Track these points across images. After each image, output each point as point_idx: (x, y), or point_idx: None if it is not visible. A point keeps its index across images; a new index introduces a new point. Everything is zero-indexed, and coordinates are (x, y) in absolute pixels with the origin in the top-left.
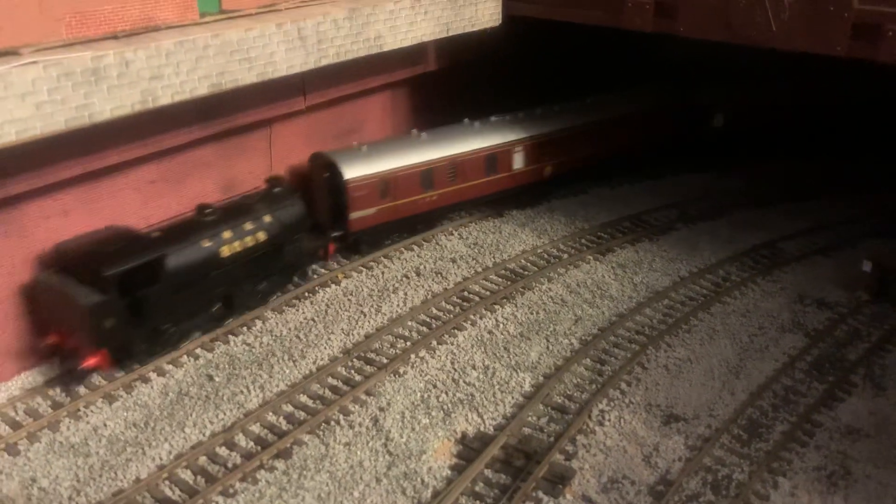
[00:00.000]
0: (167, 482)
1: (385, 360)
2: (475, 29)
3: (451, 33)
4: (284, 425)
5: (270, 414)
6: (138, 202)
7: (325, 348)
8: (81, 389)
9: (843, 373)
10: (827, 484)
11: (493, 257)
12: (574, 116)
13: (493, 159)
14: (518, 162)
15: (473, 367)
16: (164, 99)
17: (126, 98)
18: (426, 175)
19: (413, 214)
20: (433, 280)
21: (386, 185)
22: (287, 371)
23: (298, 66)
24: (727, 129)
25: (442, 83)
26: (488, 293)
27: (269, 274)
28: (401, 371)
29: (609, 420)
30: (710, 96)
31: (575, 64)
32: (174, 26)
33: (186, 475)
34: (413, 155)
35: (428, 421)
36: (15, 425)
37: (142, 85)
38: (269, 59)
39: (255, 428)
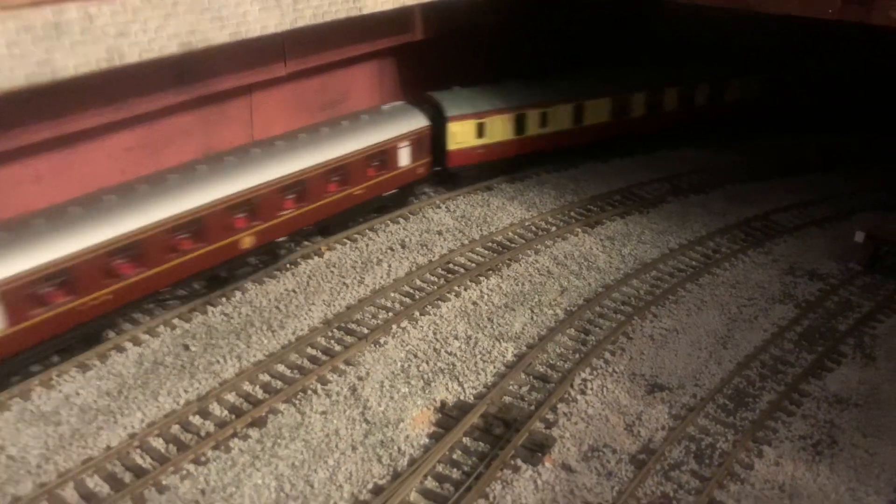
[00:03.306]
0: (138, 450)
1: (366, 331)
2: None
3: None
4: (260, 394)
5: (246, 383)
6: (115, 170)
7: (306, 319)
8: (55, 358)
9: (833, 343)
10: (812, 453)
11: (481, 230)
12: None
13: None
14: None
15: (456, 338)
16: (132, 57)
17: (90, 54)
18: None
19: None
20: (418, 252)
21: None
22: (265, 341)
23: (273, 26)
24: None
25: (431, 53)
26: (474, 265)
27: None
28: (382, 341)
29: (592, 389)
30: None
31: (573, 34)
32: None
33: (158, 443)
34: None
35: (407, 390)
36: None
37: (107, 41)
38: (242, 18)
39: (231, 397)
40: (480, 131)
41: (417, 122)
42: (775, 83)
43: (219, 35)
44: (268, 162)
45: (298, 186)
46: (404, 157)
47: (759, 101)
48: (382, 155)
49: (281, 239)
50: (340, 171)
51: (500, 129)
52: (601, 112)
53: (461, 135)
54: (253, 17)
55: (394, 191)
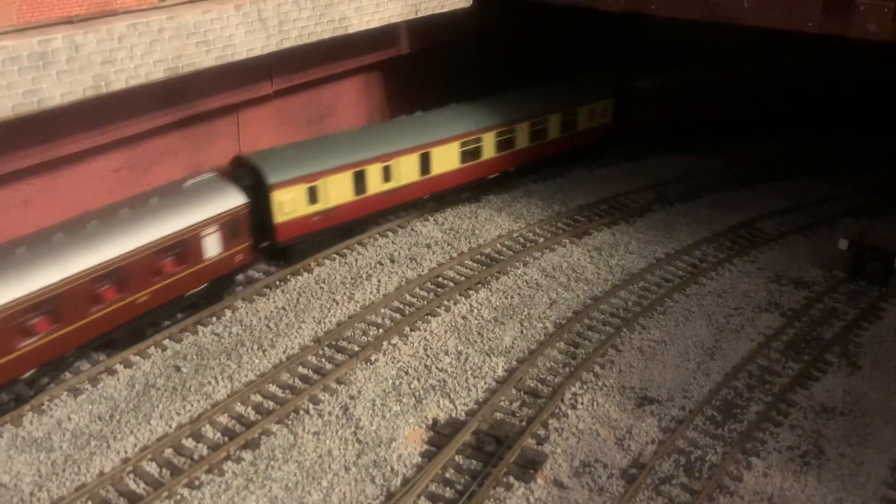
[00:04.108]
0: (132, 475)
1: (357, 348)
2: (445, 10)
3: (420, 14)
4: (252, 416)
5: (238, 404)
6: (102, 191)
7: (296, 337)
8: (46, 382)
9: (819, 351)
10: (800, 463)
11: (469, 242)
12: None
13: None
14: None
15: (446, 353)
16: (118, 84)
17: (77, 83)
18: None
19: None
20: (407, 266)
21: None
22: (256, 361)
23: (259, 48)
24: None
25: (417, 67)
26: (463, 278)
27: None
28: (372, 358)
29: (582, 403)
30: None
31: (555, 45)
32: (132, 10)
33: (151, 468)
34: None
35: (399, 408)
36: None
37: (93, 69)
38: (228, 41)
39: (223, 419)
40: (313, 196)
41: (230, 200)
42: (626, 104)
43: (205, 59)
44: (4, 278)
45: (48, 305)
46: (213, 246)
47: (612, 125)
48: (179, 247)
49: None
50: (113, 276)
51: (336, 190)
52: (450, 158)
53: (290, 203)
54: (239, 40)
55: (203, 286)
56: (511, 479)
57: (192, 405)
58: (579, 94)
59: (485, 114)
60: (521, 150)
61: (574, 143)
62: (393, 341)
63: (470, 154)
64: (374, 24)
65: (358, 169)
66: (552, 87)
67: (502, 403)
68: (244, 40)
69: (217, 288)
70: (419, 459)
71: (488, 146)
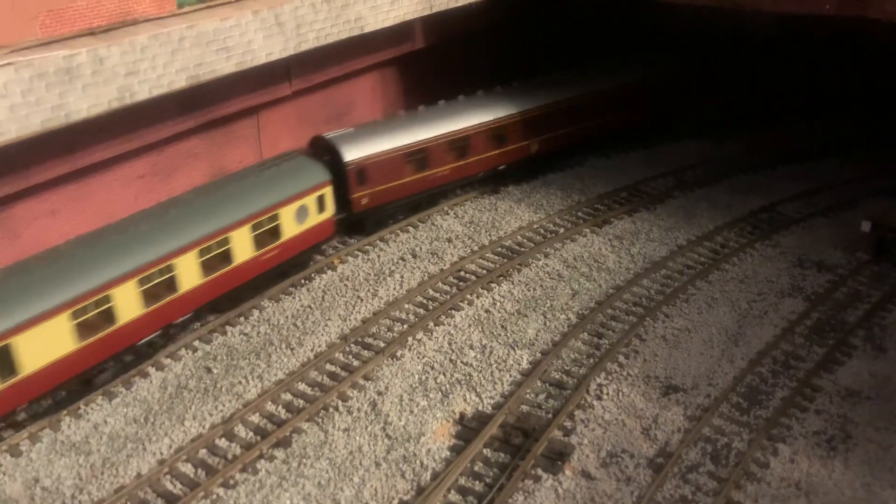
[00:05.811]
0: (168, 476)
1: (382, 345)
2: (459, 4)
3: (434, 10)
4: (283, 414)
5: (269, 403)
6: (128, 197)
7: (323, 335)
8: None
9: (843, 335)
10: (827, 448)
11: (490, 235)
12: None
13: None
14: None
15: (471, 347)
16: (142, 94)
17: (102, 95)
18: None
19: None
20: (429, 261)
21: None
22: (285, 359)
23: (278, 52)
24: None
25: (432, 61)
26: (485, 272)
27: None
28: (398, 354)
29: (607, 394)
30: None
31: (567, 37)
32: (152, 18)
33: (187, 468)
34: None
35: (426, 403)
36: (16, 426)
37: (117, 81)
38: (247, 47)
39: (255, 418)
40: None
41: None
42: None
43: (225, 66)
44: None
45: None
46: None
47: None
48: None
49: None
50: None
51: None
52: (53, 343)
53: None
54: (258, 46)
55: None
56: (539, 471)
57: (223, 405)
58: (280, 188)
59: (116, 253)
60: (186, 295)
61: (281, 256)
62: (418, 336)
63: (100, 320)
64: (389, 23)
65: None
66: (235, 185)
67: (528, 396)
68: (263, 45)
69: None
70: (448, 453)
71: (126, 304)
